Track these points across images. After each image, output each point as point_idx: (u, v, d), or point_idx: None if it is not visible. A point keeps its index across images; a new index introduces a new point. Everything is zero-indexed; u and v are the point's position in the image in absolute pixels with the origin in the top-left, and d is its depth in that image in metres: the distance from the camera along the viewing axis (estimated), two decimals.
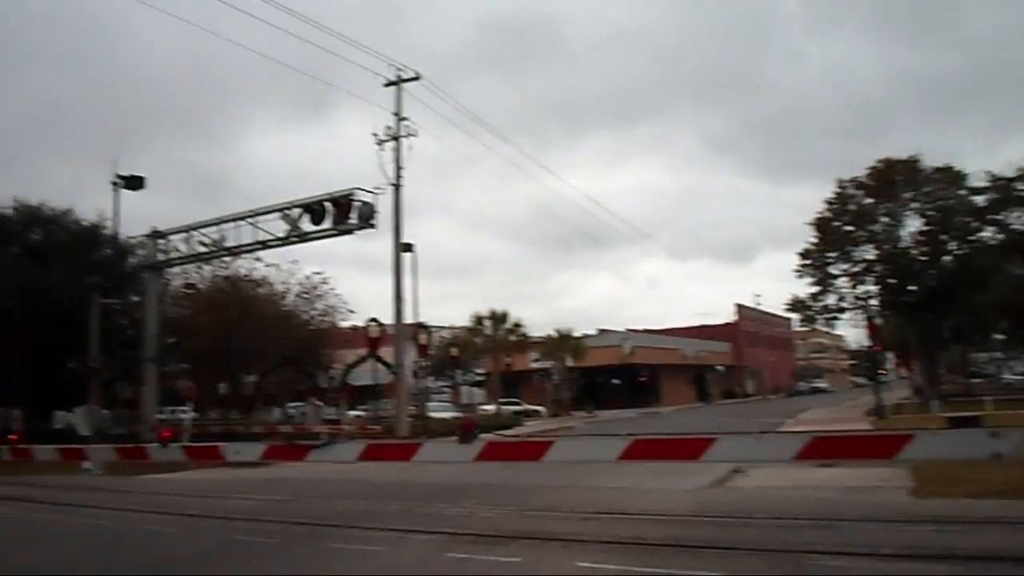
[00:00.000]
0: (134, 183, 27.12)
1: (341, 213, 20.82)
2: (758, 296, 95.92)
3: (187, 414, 31.94)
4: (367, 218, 20.83)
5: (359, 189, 20.89)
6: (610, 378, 64.62)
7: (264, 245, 24.09)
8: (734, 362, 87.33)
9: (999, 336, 70.50)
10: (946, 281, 41.65)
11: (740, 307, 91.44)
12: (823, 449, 7.28)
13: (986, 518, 8.79)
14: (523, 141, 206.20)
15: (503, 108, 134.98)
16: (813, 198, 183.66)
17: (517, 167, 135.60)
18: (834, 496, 11.11)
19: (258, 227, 22.62)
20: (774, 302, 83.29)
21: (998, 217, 40.19)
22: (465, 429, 8.64)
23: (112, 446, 13.84)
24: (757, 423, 30.22)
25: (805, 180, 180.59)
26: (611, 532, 8.83)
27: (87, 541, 10.89)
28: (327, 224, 21.15)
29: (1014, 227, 40.07)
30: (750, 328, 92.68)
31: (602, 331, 69.60)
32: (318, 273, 44.49)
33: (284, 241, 22.63)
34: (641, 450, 7.77)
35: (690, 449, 7.81)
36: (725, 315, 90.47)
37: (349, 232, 21.32)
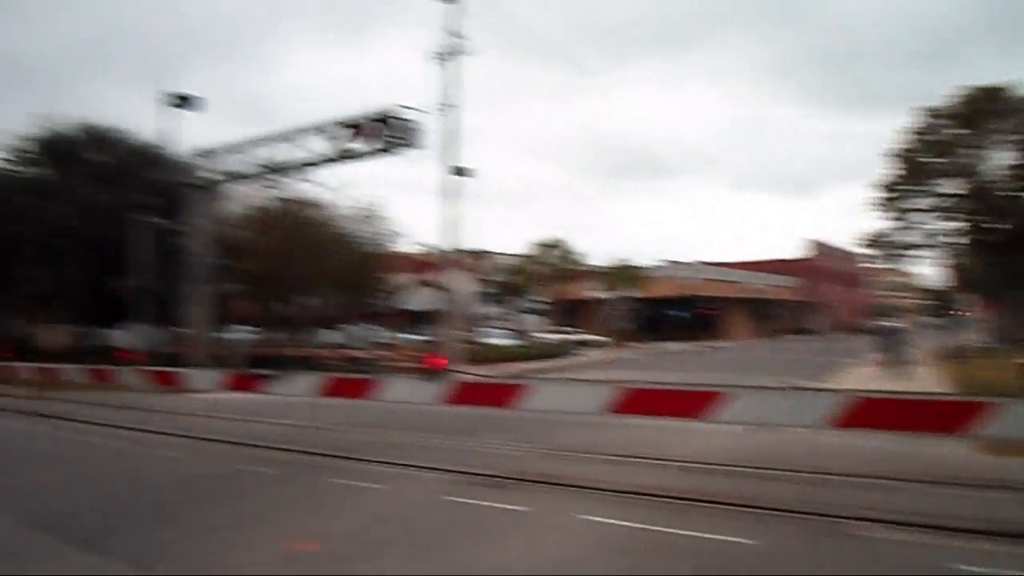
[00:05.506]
0: (189, 104, 26.75)
1: (388, 131, 19.97)
2: (828, 231, 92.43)
3: (242, 336, 32.19)
4: (414, 137, 19.94)
5: (406, 107, 19.94)
6: (672, 309, 63.42)
7: (310, 164, 23.45)
8: (803, 297, 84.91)
9: None
10: None
11: (810, 241, 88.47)
12: (870, 416, 5.99)
13: None
14: (566, 68, 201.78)
15: (542, 34, 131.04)
16: (879, 130, 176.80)
17: (564, 92, 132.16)
18: (893, 448, 9.82)
19: (297, 145, 21.92)
20: (843, 238, 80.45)
21: None
22: (431, 365, 7.80)
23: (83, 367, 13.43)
24: (823, 361, 28.98)
25: (870, 111, 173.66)
26: (633, 480, 8.00)
27: (90, 464, 10.74)
28: (376, 144, 20.31)
29: None
30: (820, 263, 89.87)
31: (666, 262, 68.24)
32: (367, 195, 43.91)
33: (331, 159, 21.93)
34: (635, 403, 6.77)
35: (692, 405, 6.67)
36: (793, 250, 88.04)
37: (397, 151, 20.44)
